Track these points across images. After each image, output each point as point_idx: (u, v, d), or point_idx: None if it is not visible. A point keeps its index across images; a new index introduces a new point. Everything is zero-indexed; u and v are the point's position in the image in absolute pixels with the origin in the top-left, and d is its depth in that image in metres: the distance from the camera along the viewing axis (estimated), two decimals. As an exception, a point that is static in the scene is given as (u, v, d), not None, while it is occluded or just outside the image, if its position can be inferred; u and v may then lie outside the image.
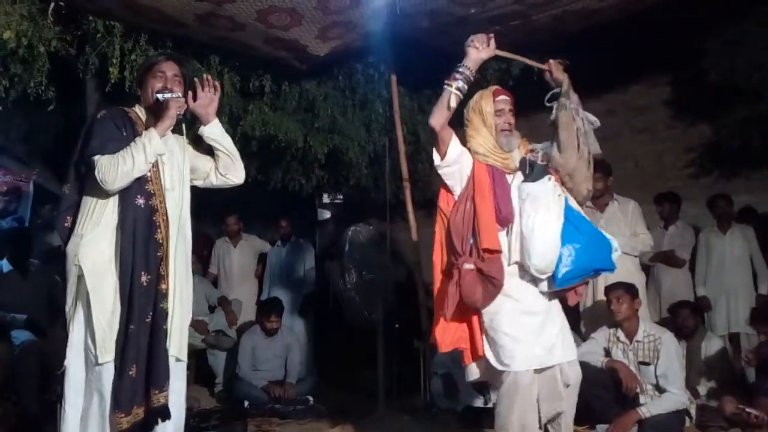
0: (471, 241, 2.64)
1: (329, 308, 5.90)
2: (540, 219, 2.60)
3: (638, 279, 4.26)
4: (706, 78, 5.06)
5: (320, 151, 5.28)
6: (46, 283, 4.49)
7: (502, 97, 2.78)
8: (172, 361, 2.52)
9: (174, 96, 2.55)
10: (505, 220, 2.66)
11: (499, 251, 2.63)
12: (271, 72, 4.70)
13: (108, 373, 2.41)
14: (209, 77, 2.68)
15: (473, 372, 2.78)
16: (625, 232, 4.28)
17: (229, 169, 2.77)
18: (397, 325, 4.85)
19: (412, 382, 4.66)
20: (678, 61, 5.46)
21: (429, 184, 6.08)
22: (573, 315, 3.90)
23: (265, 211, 6.56)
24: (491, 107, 2.74)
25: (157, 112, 2.58)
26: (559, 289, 2.68)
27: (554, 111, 2.71)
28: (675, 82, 5.79)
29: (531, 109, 3.26)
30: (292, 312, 5.73)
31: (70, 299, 2.49)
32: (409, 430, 3.86)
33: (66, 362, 2.47)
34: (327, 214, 7.41)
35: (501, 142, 2.73)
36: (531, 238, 2.60)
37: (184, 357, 2.61)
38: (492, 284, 2.59)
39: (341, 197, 7.04)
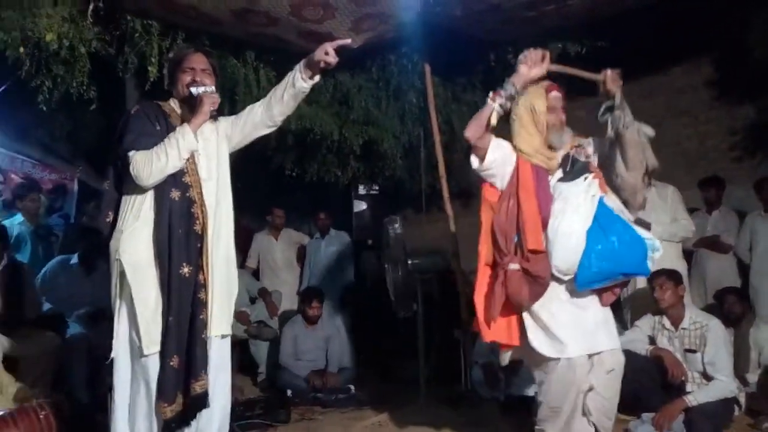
0: (515, 239, 2.62)
1: (367, 298, 5.94)
2: (566, 222, 2.59)
3: (680, 266, 4.18)
4: (749, 56, 4.90)
5: (355, 142, 5.31)
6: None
7: (555, 93, 2.71)
8: (217, 339, 2.58)
9: (208, 90, 2.58)
10: (545, 220, 2.64)
11: (543, 251, 2.61)
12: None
13: (153, 363, 2.46)
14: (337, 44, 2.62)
15: (506, 357, 2.80)
16: (665, 219, 4.20)
17: (283, 114, 2.72)
18: (437, 316, 4.85)
19: (453, 371, 4.66)
20: (720, 39, 5.28)
21: (465, 174, 6.04)
22: (614, 303, 3.86)
23: (300, 204, 6.62)
24: (544, 105, 2.68)
25: (191, 105, 2.60)
26: (585, 290, 2.65)
27: (610, 125, 2.63)
28: (717, 61, 5.60)
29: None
30: (331, 303, 5.78)
31: (114, 293, 2.54)
32: (450, 419, 3.86)
33: (113, 354, 2.53)
34: (363, 206, 7.44)
35: (551, 139, 2.68)
36: (554, 240, 2.59)
37: (228, 331, 2.64)
38: (538, 283, 2.59)
39: (377, 188, 7.06)
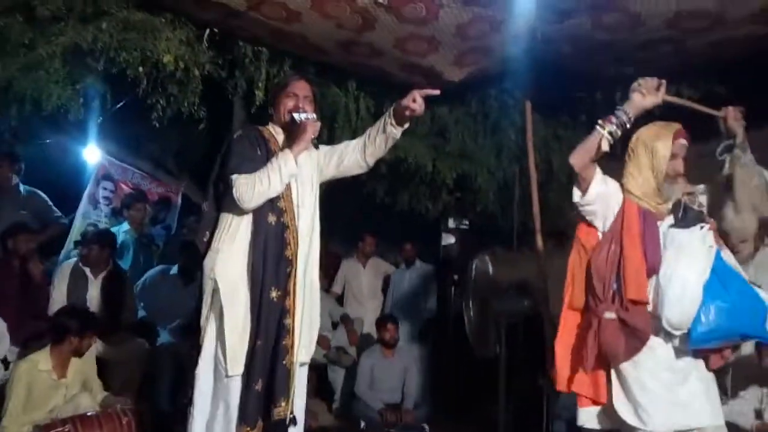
0: (614, 286, 2.43)
1: (449, 335, 5.82)
2: (681, 269, 2.36)
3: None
4: None
5: (449, 175, 5.25)
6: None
7: (682, 141, 2.52)
8: (296, 365, 2.57)
9: (310, 118, 2.61)
10: (651, 269, 2.42)
11: (645, 302, 2.41)
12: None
13: (236, 384, 2.48)
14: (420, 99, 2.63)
15: (588, 418, 2.55)
16: (764, 279, 3.85)
17: (374, 156, 2.75)
18: (521, 360, 4.67)
19: (533, 421, 4.44)
20: None
21: (559, 214, 5.85)
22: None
23: (389, 233, 6.62)
24: (668, 151, 2.48)
25: (291, 130, 2.64)
26: (698, 348, 2.41)
27: (727, 165, 2.45)
28: None
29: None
30: (411, 335, 5.71)
31: (204, 311, 2.59)
32: (527, 472, 3.67)
33: (197, 371, 2.57)
34: (452, 239, 7.35)
35: (663, 188, 2.50)
36: (667, 289, 2.36)
37: (307, 359, 2.65)
38: (637, 337, 2.37)
39: (467, 223, 6.95)
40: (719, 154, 2.49)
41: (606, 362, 2.47)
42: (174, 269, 5.01)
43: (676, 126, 2.54)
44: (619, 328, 2.38)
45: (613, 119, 2.45)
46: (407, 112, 2.59)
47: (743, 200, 2.44)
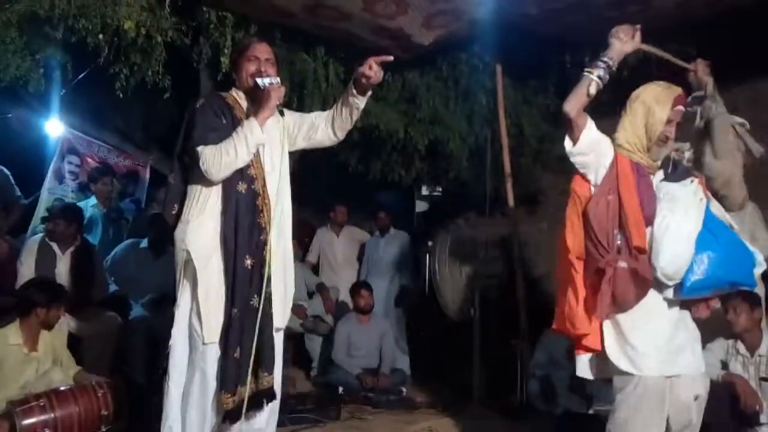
0: (618, 237, 2.45)
1: (424, 300, 5.87)
2: (676, 221, 2.41)
3: (758, 288, 3.90)
4: None
5: (421, 142, 5.24)
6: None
7: (680, 108, 2.51)
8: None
9: (275, 83, 2.55)
10: (648, 218, 2.45)
11: (646, 250, 2.44)
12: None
13: (212, 353, 2.48)
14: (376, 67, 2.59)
15: (584, 368, 2.59)
16: (743, 238, 3.94)
17: (342, 129, 2.73)
18: (495, 322, 4.74)
19: (508, 381, 4.53)
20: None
21: (532, 179, 5.90)
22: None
23: (363, 201, 6.61)
24: (665, 114, 2.48)
25: (254, 95, 2.60)
26: (686, 298, 2.47)
27: (699, 115, 2.53)
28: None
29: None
30: (387, 302, 5.75)
31: (177, 281, 2.57)
32: (503, 430, 3.75)
33: (171, 341, 2.56)
34: (425, 206, 7.37)
35: (653, 150, 2.51)
36: (662, 240, 2.41)
37: (282, 325, 2.66)
38: (643, 285, 2.42)
39: (440, 190, 6.97)
40: (690, 105, 2.54)
41: (612, 311, 2.48)
42: (144, 242, 4.95)
43: (677, 91, 2.53)
44: (630, 277, 2.42)
45: (600, 64, 2.47)
46: (364, 80, 2.56)
47: (721, 146, 2.53)
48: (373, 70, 2.54)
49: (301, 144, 2.79)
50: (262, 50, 2.65)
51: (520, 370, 4.44)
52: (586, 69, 2.48)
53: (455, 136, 5.34)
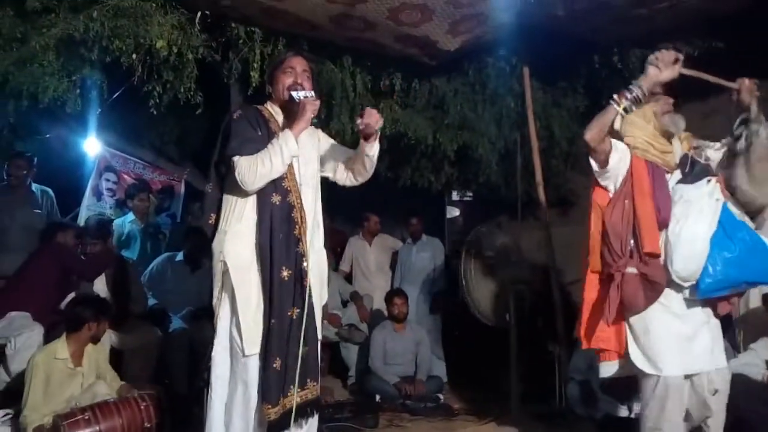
0: (631, 242, 2.49)
1: (459, 306, 5.84)
2: (689, 225, 2.44)
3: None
4: None
5: (449, 148, 5.23)
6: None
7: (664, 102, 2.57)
8: None
9: (309, 96, 2.59)
10: (663, 222, 2.48)
11: (659, 255, 2.47)
12: (402, 70, 4.72)
13: (253, 364, 2.50)
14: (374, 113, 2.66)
15: (608, 369, 2.65)
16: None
17: (360, 174, 2.80)
18: (531, 327, 4.70)
19: (547, 386, 4.48)
20: None
21: (563, 182, 5.84)
22: (727, 322, 3.58)
23: (394, 209, 6.62)
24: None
25: (290, 108, 2.63)
26: (706, 298, 2.49)
27: (743, 138, 2.45)
28: None
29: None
30: (421, 309, 5.73)
31: (216, 293, 2.60)
32: (543, 436, 3.71)
33: (213, 353, 2.59)
34: (456, 212, 7.34)
35: (665, 124, 2.51)
36: (676, 244, 2.44)
37: (319, 336, 2.67)
38: (654, 289, 2.46)
39: (470, 195, 6.94)
40: (735, 128, 2.49)
41: (623, 315, 2.54)
42: (179, 256, 5.04)
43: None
44: (639, 282, 2.46)
45: (628, 95, 2.44)
46: (362, 127, 2.61)
47: (760, 174, 2.46)
48: (368, 116, 2.58)
49: (328, 173, 2.84)
50: (298, 62, 2.70)
51: (559, 375, 4.39)
52: (613, 98, 2.46)
53: (484, 140, 5.32)
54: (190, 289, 4.84)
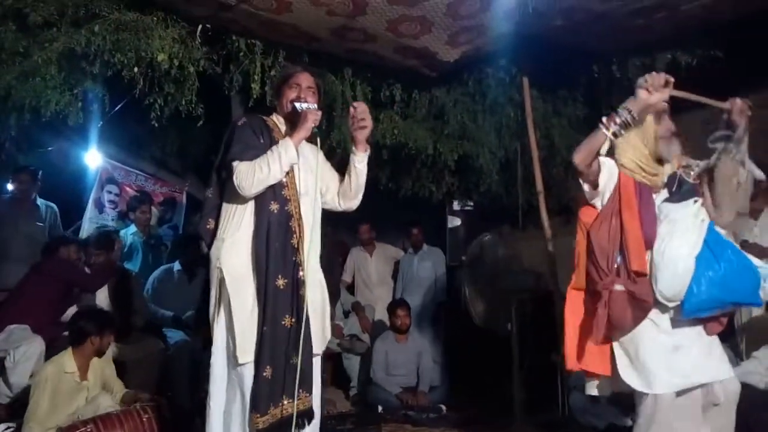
0: (618, 260, 2.47)
1: (461, 316, 5.83)
2: (674, 245, 2.42)
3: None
4: None
5: (450, 157, 5.24)
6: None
7: (666, 123, 2.58)
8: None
9: (311, 107, 2.63)
10: (648, 242, 2.47)
11: (646, 273, 2.45)
12: (402, 81, 4.75)
13: (249, 373, 2.49)
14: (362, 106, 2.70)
15: (593, 388, 2.64)
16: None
17: (347, 198, 2.82)
18: (533, 337, 4.69)
19: (549, 396, 4.47)
20: None
21: (564, 190, 5.84)
22: (729, 330, 3.57)
23: (395, 219, 6.63)
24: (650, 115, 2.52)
25: (293, 120, 2.66)
26: (692, 317, 2.47)
27: (716, 155, 2.44)
28: None
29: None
30: (423, 319, 5.73)
31: (213, 301, 2.60)
32: (546, 446, 3.70)
33: (211, 361, 2.59)
34: (457, 222, 7.35)
35: (659, 151, 2.52)
36: (660, 264, 2.43)
37: (320, 351, 2.66)
38: (642, 308, 2.43)
39: (472, 204, 6.95)
40: (712, 142, 2.48)
41: (610, 334, 2.52)
42: (177, 266, 5.05)
43: (662, 106, 2.54)
44: (627, 300, 2.43)
45: (617, 119, 2.42)
46: (355, 124, 2.66)
47: (722, 196, 2.46)
48: (357, 110, 2.65)
49: (326, 199, 2.84)
50: (304, 78, 2.74)
51: (561, 384, 4.37)
52: (602, 121, 2.44)
53: (485, 150, 5.33)
54: (189, 298, 4.84)
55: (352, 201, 2.84)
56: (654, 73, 2.46)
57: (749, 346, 3.78)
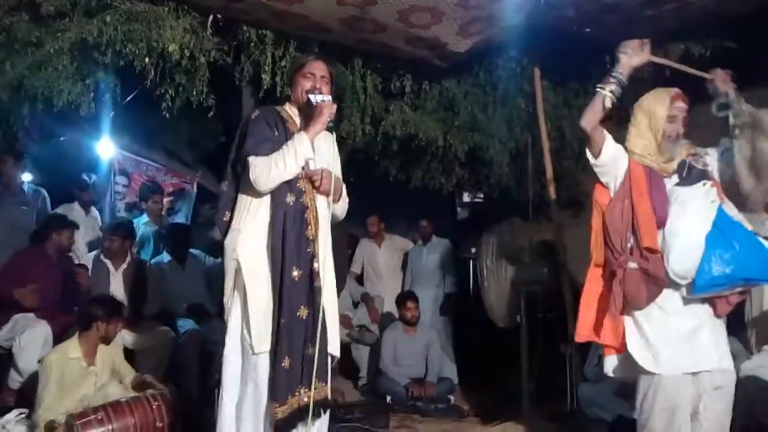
0: (631, 240, 2.56)
1: (470, 307, 5.84)
2: (683, 223, 2.51)
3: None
4: None
5: (460, 149, 5.23)
6: (201, 270, 5.01)
7: (680, 104, 2.61)
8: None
9: (326, 100, 2.62)
10: (660, 221, 2.55)
11: (658, 250, 2.52)
12: (412, 72, 4.73)
13: (263, 363, 2.51)
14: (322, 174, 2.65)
15: (611, 368, 2.67)
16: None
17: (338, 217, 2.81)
18: (542, 328, 4.69)
19: (558, 388, 4.47)
20: None
21: (575, 182, 5.81)
22: (740, 323, 3.56)
23: (406, 210, 6.63)
24: (665, 113, 2.59)
25: (307, 111, 2.66)
26: (703, 295, 2.51)
27: (731, 120, 2.51)
28: None
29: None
30: (433, 310, 5.74)
31: (228, 290, 2.62)
32: (554, 437, 3.71)
33: (225, 351, 2.60)
34: (467, 213, 7.35)
35: (664, 148, 2.60)
36: (671, 242, 2.50)
37: (334, 351, 2.65)
38: (656, 284, 2.50)
39: (481, 196, 6.94)
40: (716, 112, 2.56)
41: (626, 311, 2.57)
42: (166, 257, 5.08)
43: (674, 90, 2.65)
44: (641, 277, 2.52)
45: (611, 79, 2.60)
46: (317, 183, 2.62)
47: (741, 165, 2.50)
48: (317, 177, 2.60)
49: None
50: (318, 67, 2.72)
51: (570, 376, 4.37)
52: (598, 85, 2.63)
53: (495, 141, 5.32)
54: (184, 287, 4.91)
55: (335, 214, 2.77)
56: (630, 41, 2.65)
57: (760, 340, 3.75)
